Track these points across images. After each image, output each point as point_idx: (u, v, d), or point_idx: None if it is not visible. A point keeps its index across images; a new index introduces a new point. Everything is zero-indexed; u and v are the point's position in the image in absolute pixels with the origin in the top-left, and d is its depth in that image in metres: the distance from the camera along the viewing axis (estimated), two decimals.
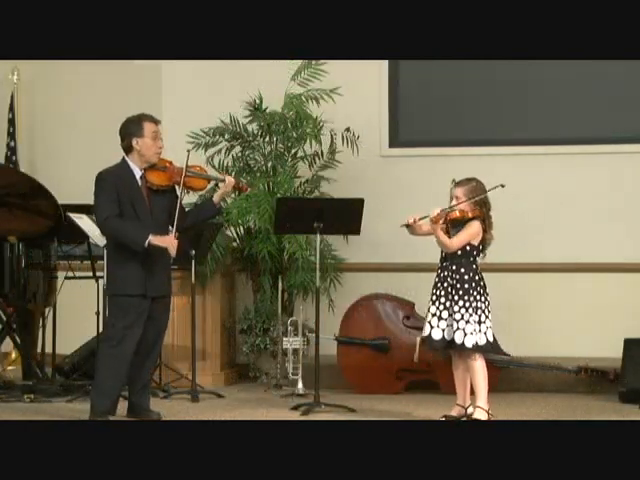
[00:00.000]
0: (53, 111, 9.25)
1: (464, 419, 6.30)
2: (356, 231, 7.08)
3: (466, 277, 6.24)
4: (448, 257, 6.31)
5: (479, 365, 6.24)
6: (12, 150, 9.13)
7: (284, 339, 7.81)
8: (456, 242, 6.26)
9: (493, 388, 6.72)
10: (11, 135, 9.15)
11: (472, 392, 6.35)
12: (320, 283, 7.19)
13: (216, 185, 6.88)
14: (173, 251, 6.31)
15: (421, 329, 7.58)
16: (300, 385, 7.59)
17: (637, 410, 6.92)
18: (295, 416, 6.71)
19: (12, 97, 9.19)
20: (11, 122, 9.15)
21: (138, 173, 6.39)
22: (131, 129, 6.38)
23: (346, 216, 7.00)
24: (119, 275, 6.37)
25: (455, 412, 6.36)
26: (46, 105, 9.30)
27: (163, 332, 6.62)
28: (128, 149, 6.39)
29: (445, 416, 6.37)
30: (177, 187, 6.42)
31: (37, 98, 9.36)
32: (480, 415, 6.20)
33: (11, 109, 9.18)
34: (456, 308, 6.21)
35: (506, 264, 7.96)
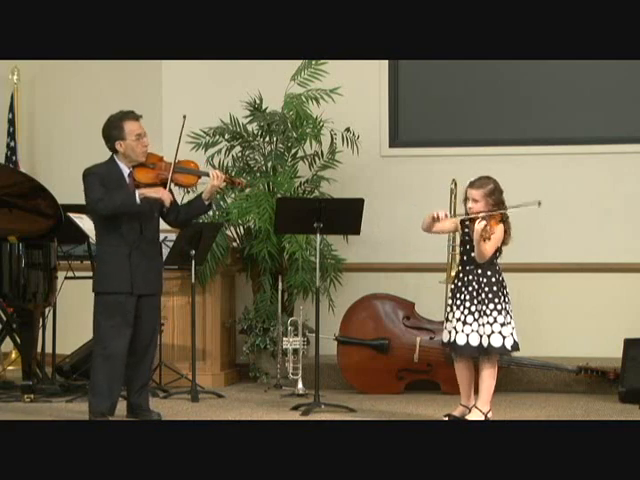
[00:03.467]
0: (53, 111, 9.24)
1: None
2: (356, 231, 7.08)
3: (493, 280, 6.17)
4: (471, 261, 6.21)
5: (494, 369, 6.21)
6: (12, 150, 9.13)
7: (284, 339, 7.81)
8: (490, 251, 6.14)
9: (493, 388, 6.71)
10: (11, 135, 9.14)
11: (476, 391, 6.32)
12: (320, 283, 7.19)
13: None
14: (167, 200, 6.26)
15: (421, 329, 7.65)
16: (300, 385, 7.58)
17: (637, 410, 6.92)
18: (295, 416, 6.71)
19: (12, 97, 9.19)
20: (11, 122, 9.14)
21: (126, 171, 6.38)
22: (112, 132, 6.34)
23: (346, 216, 7.00)
24: (104, 272, 6.34)
25: (458, 412, 6.33)
26: (46, 105, 9.30)
27: (156, 331, 6.60)
28: (114, 150, 6.39)
29: (448, 415, 6.35)
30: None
31: (37, 98, 9.36)
32: (476, 416, 6.18)
33: (11, 109, 9.17)
34: (487, 312, 6.12)
35: (505, 264, 7.95)
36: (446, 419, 6.32)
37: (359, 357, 7.74)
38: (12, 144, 9.12)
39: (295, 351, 7.76)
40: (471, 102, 8.57)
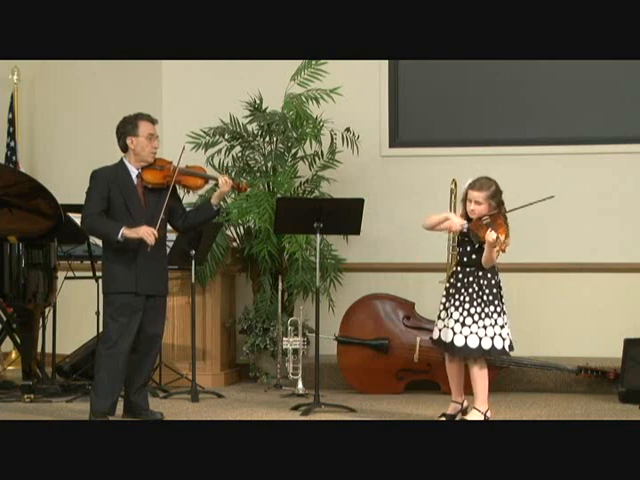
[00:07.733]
0: (53, 111, 9.25)
1: (460, 416, 6.29)
2: (356, 231, 7.07)
3: (493, 282, 6.16)
4: (472, 262, 6.17)
5: (485, 368, 6.21)
6: (12, 150, 9.13)
7: (284, 339, 7.81)
8: (497, 257, 6.11)
9: (493, 388, 6.72)
10: (11, 135, 9.15)
11: (470, 392, 6.32)
12: (320, 283, 7.19)
13: (216, 185, 6.87)
14: (150, 240, 6.21)
15: (421, 329, 7.65)
16: (300, 385, 7.59)
17: (637, 410, 6.92)
18: (295, 416, 6.70)
19: (12, 97, 9.19)
20: (11, 122, 9.15)
21: (135, 172, 6.40)
22: (126, 128, 6.40)
23: (346, 216, 7.00)
24: (111, 272, 6.37)
25: (451, 410, 6.34)
26: (46, 105, 9.30)
27: (161, 332, 6.60)
28: (124, 148, 6.42)
29: (443, 415, 6.35)
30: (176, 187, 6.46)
31: (37, 98, 9.36)
32: (475, 417, 6.18)
33: (11, 109, 9.18)
34: (489, 314, 6.11)
35: (506, 264, 7.95)
36: (442, 419, 6.31)
37: (359, 357, 7.74)
38: (12, 144, 9.13)
39: (295, 351, 7.77)
40: (471, 102, 8.57)
